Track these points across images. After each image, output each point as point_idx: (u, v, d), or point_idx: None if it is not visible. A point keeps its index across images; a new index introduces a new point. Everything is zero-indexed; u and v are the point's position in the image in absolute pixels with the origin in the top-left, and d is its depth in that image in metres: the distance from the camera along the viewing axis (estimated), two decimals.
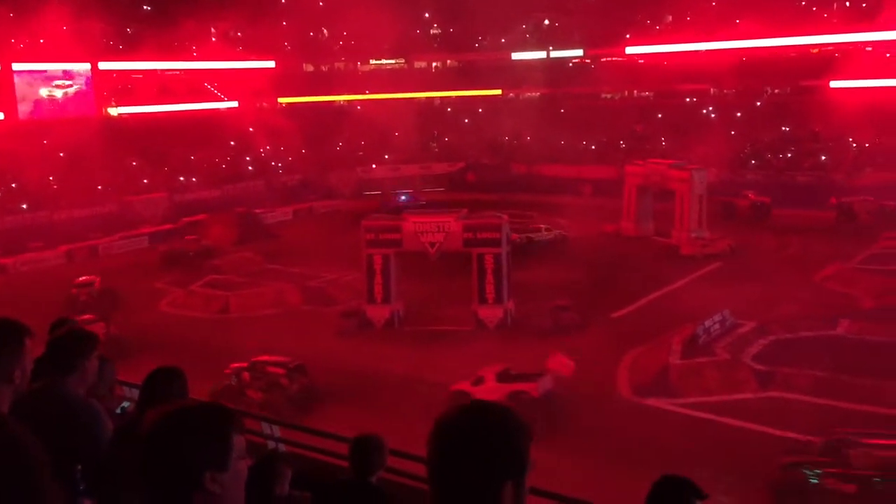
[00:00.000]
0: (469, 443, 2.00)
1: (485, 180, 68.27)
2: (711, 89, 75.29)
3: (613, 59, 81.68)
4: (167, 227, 55.78)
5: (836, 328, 30.96)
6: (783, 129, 69.26)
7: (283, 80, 78.37)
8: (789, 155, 65.79)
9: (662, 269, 42.24)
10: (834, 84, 66.02)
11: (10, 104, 64.87)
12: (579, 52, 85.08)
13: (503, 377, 25.83)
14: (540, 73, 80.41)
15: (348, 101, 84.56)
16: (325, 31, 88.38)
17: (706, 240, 46.21)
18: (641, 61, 79.40)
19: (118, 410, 5.70)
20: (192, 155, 68.76)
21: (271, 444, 9.39)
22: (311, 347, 31.65)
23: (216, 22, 76.97)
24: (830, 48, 71.56)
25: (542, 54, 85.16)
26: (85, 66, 69.74)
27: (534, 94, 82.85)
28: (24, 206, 55.18)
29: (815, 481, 19.49)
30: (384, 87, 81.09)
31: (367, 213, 40.36)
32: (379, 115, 73.83)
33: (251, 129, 72.64)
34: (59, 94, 67.92)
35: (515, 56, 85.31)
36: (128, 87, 74.41)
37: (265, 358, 27.81)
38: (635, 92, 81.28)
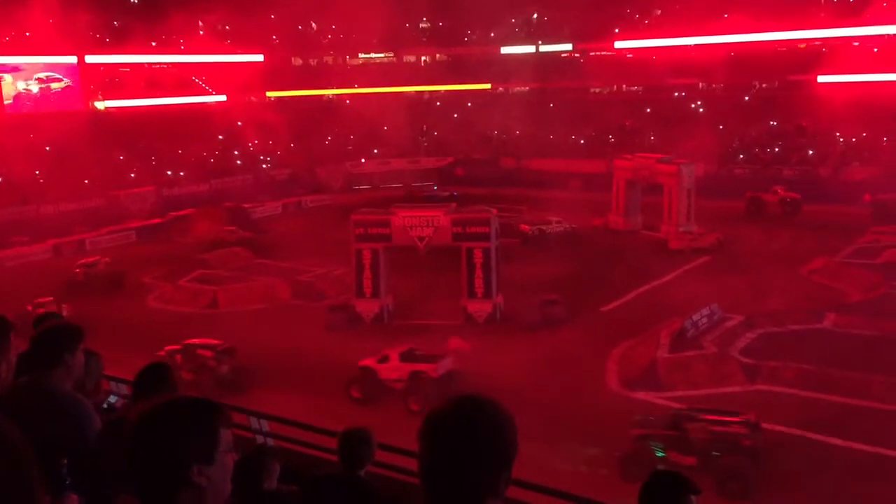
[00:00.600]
0: (460, 438, 2.03)
1: (474, 175, 68.32)
2: (700, 84, 75.58)
3: (602, 53, 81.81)
4: (155, 221, 55.56)
5: (823, 322, 31.12)
6: (771, 123, 69.56)
7: (272, 74, 78.14)
8: (776, 149, 66.08)
9: (651, 263, 42.34)
10: (821, 79, 66.36)
11: None
12: (568, 47, 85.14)
13: (406, 357, 26.99)
14: (529, 67, 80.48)
15: (337, 95, 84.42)
16: (313, 24, 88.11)
17: (694, 234, 46.39)
18: (630, 56, 79.53)
19: (104, 405, 5.67)
20: (180, 149, 68.50)
21: (259, 439, 9.38)
22: (300, 342, 31.61)
23: (204, 15, 76.65)
24: (818, 43, 71.87)
25: (531, 48, 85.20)
26: (71, 60, 69.28)
27: (523, 88, 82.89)
28: (13, 200, 54.85)
29: (661, 454, 20.61)
30: (373, 81, 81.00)
31: (357, 207, 40.28)
32: (368, 109, 73.78)
33: (239, 123, 72.41)
34: (35, 88, 67.19)
35: (505, 50, 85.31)
36: (115, 81, 73.98)
37: (197, 341, 28.85)
38: (624, 86, 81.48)
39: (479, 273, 34.50)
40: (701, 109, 73.07)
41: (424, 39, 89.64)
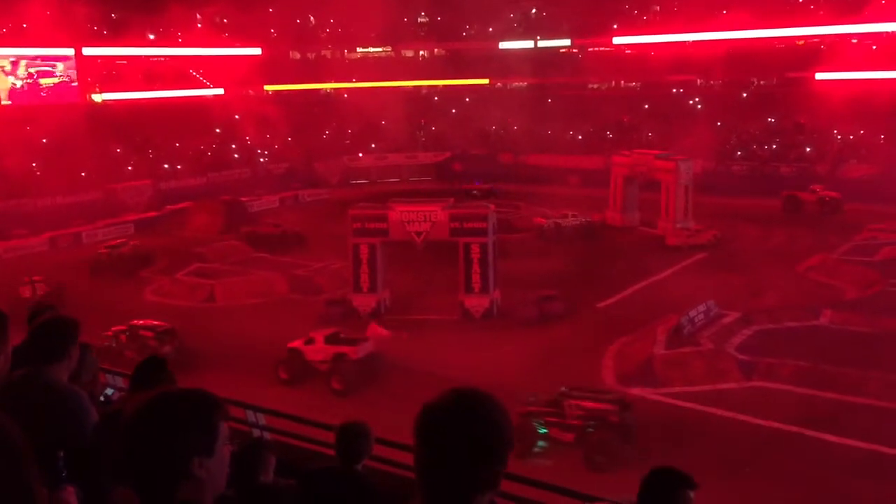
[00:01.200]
0: (456, 431, 2.02)
1: (472, 170, 68.30)
2: (698, 80, 75.55)
3: (601, 49, 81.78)
4: (151, 214, 55.49)
5: (819, 319, 31.19)
6: (769, 120, 69.57)
7: (270, 68, 77.95)
8: (774, 146, 66.12)
9: (648, 259, 42.37)
10: (819, 76, 66.34)
11: None
12: (567, 42, 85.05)
13: (330, 339, 28.26)
14: (527, 62, 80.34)
15: (335, 89, 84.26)
16: (311, 18, 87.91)
17: (691, 230, 46.42)
18: (629, 52, 79.52)
19: (101, 398, 5.67)
20: (178, 142, 68.37)
21: (255, 432, 9.38)
22: (296, 335, 31.58)
23: (202, 8, 76.42)
24: (816, 40, 71.87)
25: (529, 44, 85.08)
26: (68, 52, 69.06)
27: (521, 83, 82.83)
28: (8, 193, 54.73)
29: (543, 431, 22.25)
30: (371, 75, 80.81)
31: (354, 201, 40.27)
32: (366, 103, 73.63)
33: (237, 117, 72.26)
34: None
35: (503, 45, 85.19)
36: (112, 74, 73.78)
37: (140, 322, 30.41)
38: (622, 82, 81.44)
39: (476, 268, 34.52)
40: (699, 106, 73.06)
41: (422, 34, 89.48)
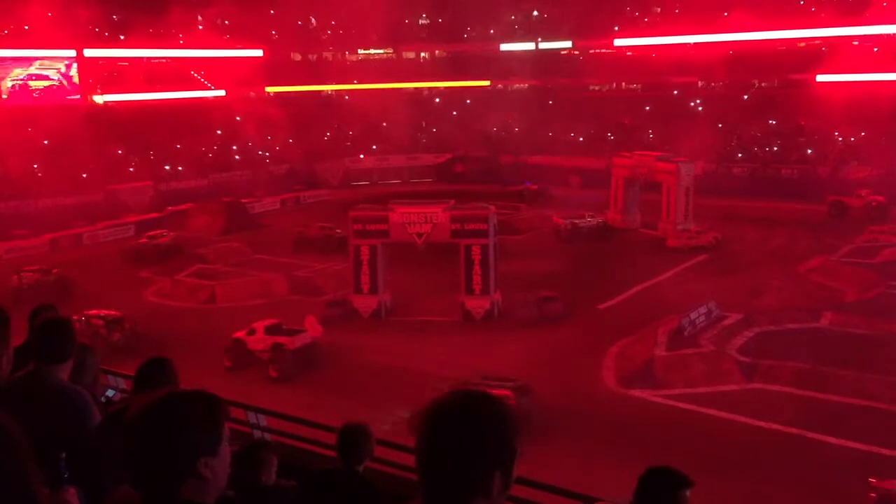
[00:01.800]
0: (459, 433, 1.99)
1: (473, 171, 68.31)
2: (699, 82, 75.51)
3: (602, 50, 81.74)
4: (152, 215, 55.47)
5: (819, 321, 31.17)
6: (770, 122, 69.53)
7: (271, 69, 77.94)
8: (775, 148, 66.08)
9: (649, 260, 42.38)
10: (820, 78, 66.29)
11: None
12: (568, 44, 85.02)
13: (271, 330, 29.66)
14: (528, 64, 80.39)
15: (336, 90, 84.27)
16: (313, 20, 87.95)
17: (692, 232, 46.41)
18: (630, 53, 79.47)
19: (102, 399, 5.68)
20: (179, 143, 68.37)
21: (257, 434, 9.39)
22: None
23: (204, 9, 76.43)
24: (818, 42, 71.81)
25: (530, 45, 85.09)
26: (70, 53, 69.11)
27: (522, 85, 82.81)
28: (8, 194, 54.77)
29: None
30: (372, 77, 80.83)
31: (355, 203, 40.30)
32: (367, 105, 73.68)
33: (238, 118, 72.28)
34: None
35: (504, 47, 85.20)
36: (114, 75, 73.81)
37: (94, 312, 31.64)
38: (623, 84, 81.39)
39: (477, 270, 34.52)
40: (700, 108, 73.02)
41: (424, 36, 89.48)
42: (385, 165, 73.62)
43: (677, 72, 73.27)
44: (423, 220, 35.12)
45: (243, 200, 58.48)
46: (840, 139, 64.23)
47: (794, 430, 22.66)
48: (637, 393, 26.36)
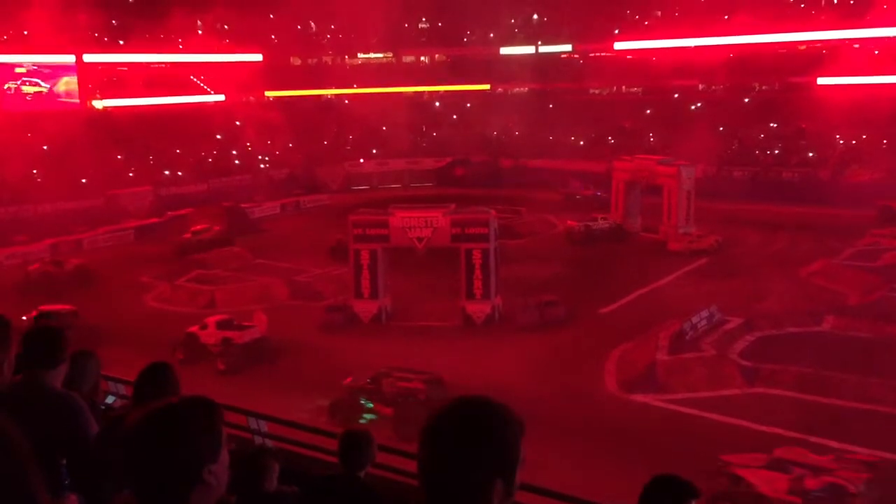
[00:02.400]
0: (462, 439, 1.98)
1: (473, 175, 68.35)
2: (700, 85, 75.58)
3: (602, 54, 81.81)
4: (152, 220, 55.48)
5: (821, 324, 31.15)
6: (771, 125, 69.58)
7: (271, 74, 78.08)
8: (776, 151, 66.11)
9: (650, 264, 42.36)
10: (821, 81, 66.35)
11: None
12: (568, 48, 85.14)
13: (221, 325, 31.04)
14: (528, 68, 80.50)
15: (336, 95, 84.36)
16: (312, 24, 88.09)
17: (693, 235, 46.40)
18: (630, 57, 79.55)
19: (102, 405, 5.64)
20: (178, 148, 68.43)
21: (257, 440, 9.33)
22: (297, 341, 31.59)
23: (203, 14, 76.56)
24: (818, 45, 71.89)
25: (530, 49, 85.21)
26: (69, 59, 69.21)
27: (522, 89, 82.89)
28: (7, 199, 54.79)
29: (369, 405, 25.06)
30: (372, 81, 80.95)
31: (355, 207, 40.30)
32: (367, 109, 73.75)
33: (238, 123, 72.35)
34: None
35: (504, 51, 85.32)
36: (113, 80, 73.90)
37: (48, 307, 32.21)
38: (624, 87, 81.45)
39: (477, 274, 34.49)
40: (701, 111, 73.06)
41: (424, 39, 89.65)
42: (385, 169, 73.69)
43: (678, 75, 73.37)
44: (423, 224, 35.11)
45: (243, 205, 58.49)
46: (841, 142, 64.26)
47: (796, 434, 22.60)
48: (639, 397, 26.31)
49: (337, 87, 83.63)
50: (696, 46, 73.85)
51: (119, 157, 64.81)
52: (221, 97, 76.82)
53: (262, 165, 71.56)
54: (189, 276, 42.03)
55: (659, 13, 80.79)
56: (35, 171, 57.64)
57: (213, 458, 2.20)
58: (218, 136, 72.91)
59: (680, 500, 3.71)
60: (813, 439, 22.38)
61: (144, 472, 2.15)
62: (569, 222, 50.00)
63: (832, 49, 69.35)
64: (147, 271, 43.98)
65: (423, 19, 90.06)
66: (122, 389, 8.26)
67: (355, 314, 34.94)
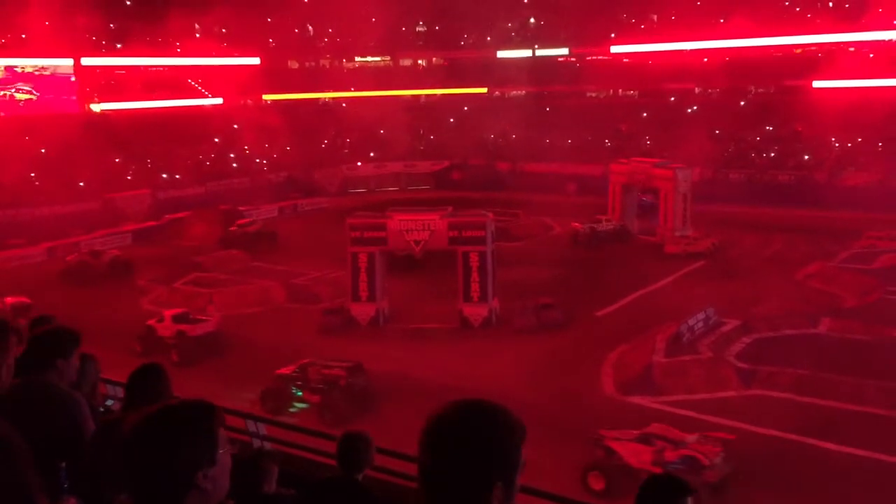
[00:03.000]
0: (462, 442, 1.99)
1: (470, 179, 68.37)
2: (696, 88, 75.67)
3: (599, 57, 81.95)
4: (150, 224, 55.43)
5: (818, 327, 31.17)
6: (767, 128, 69.69)
7: (268, 77, 78.07)
8: (772, 154, 66.22)
9: (646, 267, 42.40)
10: (817, 84, 66.49)
11: None
12: (565, 51, 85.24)
13: (177, 318, 32.26)
14: (525, 71, 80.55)
15: (334, 98, 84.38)
16: (310, 27, 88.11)
17: (690, 238, 46.45)
18: (626, 60, 79.69)
19: (101, 408, 5.67)
20: (176, 152, 68.36)
21: (256, 443, 9.37)
22: (294, 345, 31.57)
23: (201, 18, 76.53)
24: (814, 48, 72.10)
25: (527, 52, 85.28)
26: (67, 62, 69.22)
27: (519, 92, 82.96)
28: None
29: (299, 393, 26.15)
30: (370, 84, 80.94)
31: (352, 210, 40.31)
32: (364, 112, 73.76)
33: (236, 126, 72.32)
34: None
35: (501, 54, 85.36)
36: (111, 83, 73.88)
37: (9, 299, 33.80)
38: (620, 91, 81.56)
39: (475, 277, 34.50)
40: (697, 114, 73.15)
41: (421, 43, 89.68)
42: (382, 173, 73.70)
43: (674, 78, 73.49)
44: (420, 227, 35.12)
45: (241, 208, 58.45)
46: (837, 145, 64.38)
47: (792, 437, 22.64)
48: (636, 400, 26.33)
49: (334, 91, 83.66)
50: (692, 50, 74.03)
51: (117, 160, 64.74)
52: (219, 100, 76.81)
53: (259, 168, 71.50)
54: (187, 279, 42.01)
55: (655, 17, 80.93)
56: (33, 175, 57.57)
57: (209, 462, 2.20)
58: (216, 140, 72.90)
59: (675, 498, 3.76)
60: (809, 441, 22.43)
61: (139, 475, 2.17)
62: (573, 224, 50.01)
63: (827, 52, 69.57)
64: (144, 274, 43.94)
65: (421, 23, 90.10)
66: (121, 392, 8.29)
67: (353, 317, 34.95)
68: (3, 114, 65.01)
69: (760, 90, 74.19)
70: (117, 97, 72.07)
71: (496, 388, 24.20)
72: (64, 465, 3.68)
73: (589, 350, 30.59)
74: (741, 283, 37.91)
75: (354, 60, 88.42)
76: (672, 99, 75.58)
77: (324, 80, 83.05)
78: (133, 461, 2.16)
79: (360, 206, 46.43)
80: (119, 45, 72.61)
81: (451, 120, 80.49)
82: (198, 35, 78.98)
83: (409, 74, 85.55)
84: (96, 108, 71.43)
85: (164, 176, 65.99)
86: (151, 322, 32.44)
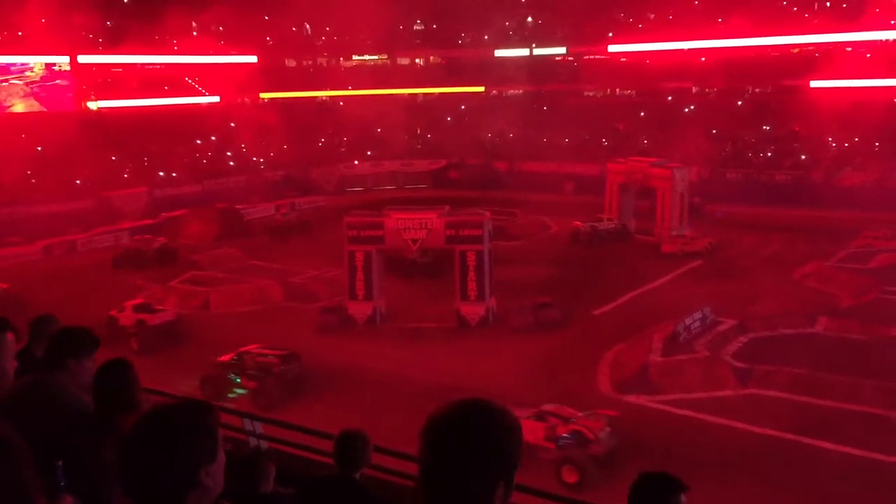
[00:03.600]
0: (462, 442, 1.99)
1: (468, 177, 68.38)
2: (693, 88, 75.78)
3: (596, 57, 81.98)
4: (147, 222, 55.37)
5: (814, 326, 31.22)
6: (764, 127, 69.78)
7: (266, 75, 78.01)
8: (770, 154, 66.30)
9: (643, 266, 42.44)
10: (814, 84, 66.59)
11: None
12: (562, 50, 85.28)
13: (137, 308, 33.65)
14: (523, 70, 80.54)
15: (331, 96, 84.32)
16: (307, 26, 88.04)
17: (687, 238, 46.51)
18: (624, 59, 79.74)
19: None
20: (173, 150, 68.32)
21: (253, 441, 9.35)
22: (292, 343, 31.52)
23: (198, 16, 76.44)
24: (811, 48, 72.19)
25: (525, 51, 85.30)
26: (64, 59, 69.12)
27: (517, 91, 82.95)
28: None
29: (237, 380, 27.34)
30: (367, 83, 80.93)
31: (350, 209, 40.30)
32: (362, 111, 73.69)
33: (233, 125, 72.25)
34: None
35: (499, 53, 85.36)
36: (108, 81, 73.77)
37: None
38: (618, 90, 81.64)
39: (472, 276, 34.50)
40: (694, 113, 73.23)
41: (418, 41, 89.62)
42: (380, 171, 73.68)
43: (671, 78, 73.57)
44: (418, 226, 35.11)
45: (238, 206, 58.42)
46: (834, 145, 64.47)
47: (789, 436, 22.67)
48: (632, 399, 26.36)
49: (332, 89, 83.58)
50: (689, 49, 74.08)
51: (113, 158, 64.65)
52: (216, 98, 76.72)
53: (257, 167, 71.45)
54: (183, 277, 41.97)
55: (652, 16, 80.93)
56: (29, 173, 57.47)
57: (210, 459, 2.23)
58: (213, 138, 72.84)
59: (669, 496, 3.76)
60: (805, 440, 22.47)
61: (141, 474, 2.18)
62: (574, 223, 50.04)
63: (825, 52, 69.67)
64: (141, 273, 43.88)
65: (418, 21, 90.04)
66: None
67: (350, 316, 34.94)
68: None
69: (758, 90, 74.30)
70: (114, 95, 71.97)
71: (493, 387, 24.24)
72: (61, 463, 3.67)
73: (586, 349, 30.62)
74: (738, 283, 37.97)
75: (352, 59, 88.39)
76: (669, 98, 75.65)
77: (321, 79, 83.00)
78: (135, 459, 2.17)
79: (357, 205, 46.42)
80: (116, 43, 72.37)
81: (449, 119, 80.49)
82: (195, 33, 78.87)
83: (406, 73, 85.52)
84: (93, 105, 71.32)
85: (161, 174, 65.92)
86: (113, 312, 33.37)
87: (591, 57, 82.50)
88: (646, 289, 38.84)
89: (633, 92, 79.72)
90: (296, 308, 36.91)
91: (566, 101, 78.19)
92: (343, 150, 76.57)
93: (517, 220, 53.60)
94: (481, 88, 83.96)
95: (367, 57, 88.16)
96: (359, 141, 76.24)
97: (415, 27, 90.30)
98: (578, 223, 49.84)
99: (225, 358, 28.05)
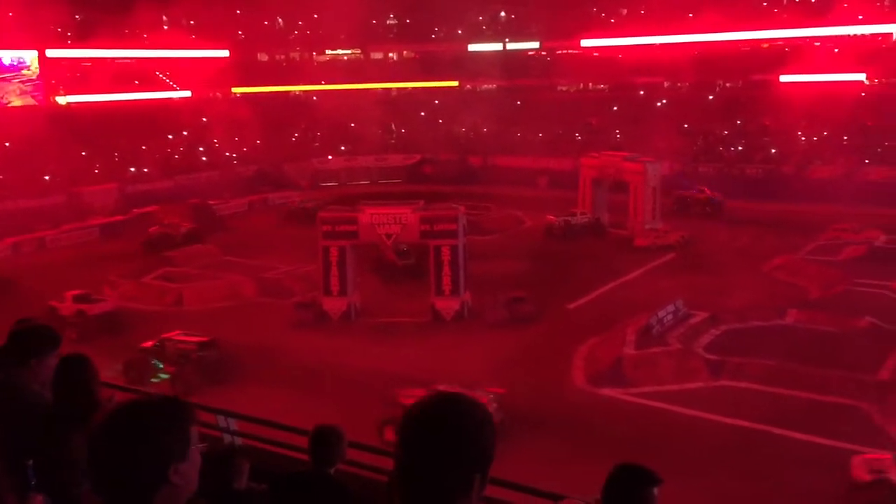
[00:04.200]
0: (444, 437, 2.01)
1: (441, 173, 68.36)
2: (665, 83, 76.23)
3: (569, 51, 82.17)
4: (118, 218, 54.74)
5: (785, 318, 31.63)
6: (735, 122, 70.39)
7: (238, 70, 77.29)
8: (741, 148, 66.92)
9: (617, 260, 42.70)
10: (784, 78, 67.29)
11: None
12: (535, 45, 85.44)
13: (77, 299, 34.20)
14: (496, 65, 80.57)
15: (304, 91, 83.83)
16: (280, 20, 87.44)
17: (659, 231, 46.84)
18: (596, 54, 80.00)
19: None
20: (144, 145, 67.57)
21: (227, 438, 9.31)
22: (265, 339, 31.42)
23: (168, 9, 75.63)
24: (780, 43, 72.88)
25: (498, 46, 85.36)
26: (32, 54, 68.12)
27: (490, 85, 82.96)
28: None
29: (160, 365, 28.19)
30: (340, 77, 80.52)
31: (324, 204, 40.16)
32: (335, 106, 73.36)
33: (205, 119, 71.59)
34: None
35: (472, 48, 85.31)
36: (77, 76, 72.79)
37: None
38: (590, 84, 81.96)
39: (446, 270, 34.54)
40: (666, 108, 73.68)
41: (392, 36, 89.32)
42: (354, 166, 73.39)
43: (643, 72, 73.94)
44: (392, 220, 35.07)
45: (210, 202, 57.93)
46: (803, 139, 65.20)
47: (760, 427, 22.96)
48: (606, 392, 26.56)
49: (305, 84, 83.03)
50: (661, 44, 74.50)
51: (83, 153, 63.81)
52: (188, 93, 75.95)
53: (229, 162, 70.87)
54: (156, 273, 41.59)
55: (625, 11, 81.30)
56: None
57: (180, 457, 2.20)
58: (184, 133, 72.14)
59: (642, 488, 3.79)
60: (777, 431, 22.76)
61: (108, 471, 2.15)
62: (548, 217, 50.15)
63: (794, 47, 70.37)
64: (113, 269, 43.37)
65: (392, 16, 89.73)
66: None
67: (324, 311, 34.83)
68: None
69: (728, 84, 74.92)
70: (83, 90, 71.00)
71: (467, 381, 24.25)
72: (31, 462, 3.64)
73: (560, 343, 30.77)
74: (710, 276, 38.32)
75: (325, 53, 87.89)
76: (642, 93, 76.05)
77: (294, 73, 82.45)
78: (102, 455, 2.15)
79: (331, 200, 46.25)
80: (85, 37, 71.37)
81: (423, 113, 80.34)
82: (166, 27, 78.02)
83: (380, 68, 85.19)
84: (62, 100, 70.34)
85: (132, 170, 65.18)
86: (53, 302, 33.89)
87: (564, 51, 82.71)
88: (619, 282, 39.10)
89: (606, 86, 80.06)
90: (270, 304, 36.72)
91: (539, 95, 78.35)
92: (316, 145, 76.16)
93: (491, 215, 53.68)
94: (455, 83, 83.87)
95: (340, 51, 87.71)
96: (332, 136, 75.91)
97: (388, 21, 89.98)
98: (552, 217, 49.99)
99: (147, 344, 28.80)
